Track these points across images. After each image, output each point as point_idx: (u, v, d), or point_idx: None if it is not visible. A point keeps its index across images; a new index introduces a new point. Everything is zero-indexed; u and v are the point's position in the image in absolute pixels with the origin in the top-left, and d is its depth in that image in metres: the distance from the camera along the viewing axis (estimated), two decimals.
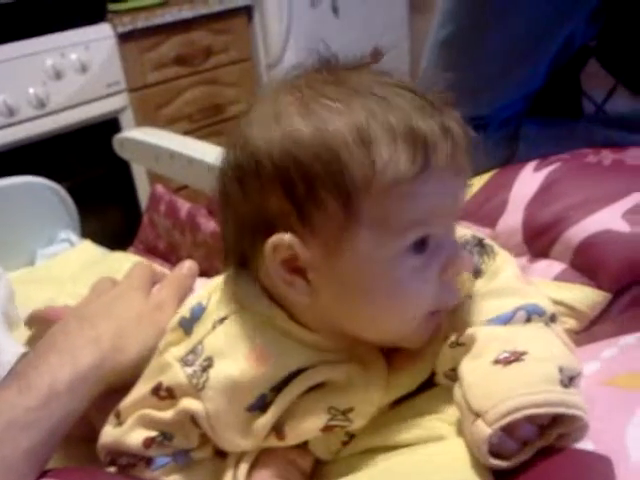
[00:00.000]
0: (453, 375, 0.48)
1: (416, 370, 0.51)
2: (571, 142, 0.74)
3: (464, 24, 0.78)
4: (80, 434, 0.54)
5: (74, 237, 1.16)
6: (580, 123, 0.79)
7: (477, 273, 0.53)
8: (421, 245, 0.45)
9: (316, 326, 0.48)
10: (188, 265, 0.62)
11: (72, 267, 0.97)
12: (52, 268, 1.01)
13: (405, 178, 0.42)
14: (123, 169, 2.11)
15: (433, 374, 0.51)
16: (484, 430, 0.40)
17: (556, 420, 0.40)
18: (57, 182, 1.23)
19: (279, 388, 0.48)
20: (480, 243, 0.54)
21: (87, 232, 1.27)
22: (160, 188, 0.98)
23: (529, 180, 0.69)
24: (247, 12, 2.40)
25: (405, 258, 0.44)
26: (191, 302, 0.53)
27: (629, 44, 0.74)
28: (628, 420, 0.39)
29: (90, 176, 2.10)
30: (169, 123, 2.22)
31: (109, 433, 0.50)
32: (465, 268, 0.48)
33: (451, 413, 0.47)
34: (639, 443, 0.37)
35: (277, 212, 0.44)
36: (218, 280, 0.54)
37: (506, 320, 0.48)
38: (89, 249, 1.11)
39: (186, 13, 2.21)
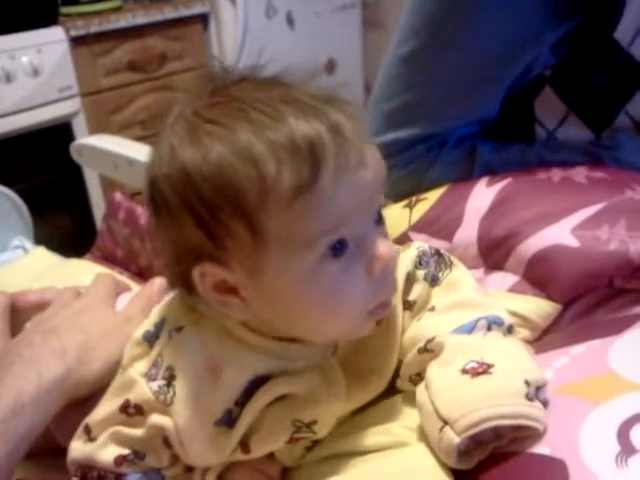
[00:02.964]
0: (418, 380, 0.50)
1: (375, 380, 0.52)
2: (522, 165, 0.77)
3: (425, 41, 0.77)
4: (40, 448, 0.54)
5: (28, 244, 1.14)
6: (531, 147, 0.82)
7: (434, 281, 0.55)
8: (338, 249, 0.44)
9: (267, 332, 0.49)
10: (158, 282, 0.62)
11: (27, 274, 0.95)
12: (6, 275, 0.99)
13: (297, 190, 0.41)
14: (75, 174, 2.08)
15: (393, 379, 0.53)
16: (453, 439, 0.42)
17: (517, 427, 0.43)
18: (7, 187, 1.21)
19: (243, 402, 0.48)
20: (438, 253, 0.56)
21: (37, 238, 1.25)
22: (119, 196, 0.98)
23: (482, 195, 0.72)
24: (202, 20, 2.40)
25: (324, 266, 0.44)
26: (154, 316, 0.53)
27: (585, 75, 0.77)
28: (581, 426, 0.41)
29: (41, 181, 2.06)
30: (122, 129, 2.20)
31: (79, 449, 0.50)
32: (391, 260, 0.47)
33: (413, 419, 0.48)
34: (591, 447, 0.40)
35: (195, 241, 0.45)
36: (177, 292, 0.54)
37: (470, 329, 0.50)
38: (44, 256, 1.09)
39: (140, 19, 2.19)
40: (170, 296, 0.54)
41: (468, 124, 0.82)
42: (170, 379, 0.47)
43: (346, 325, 0.47)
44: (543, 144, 0.82)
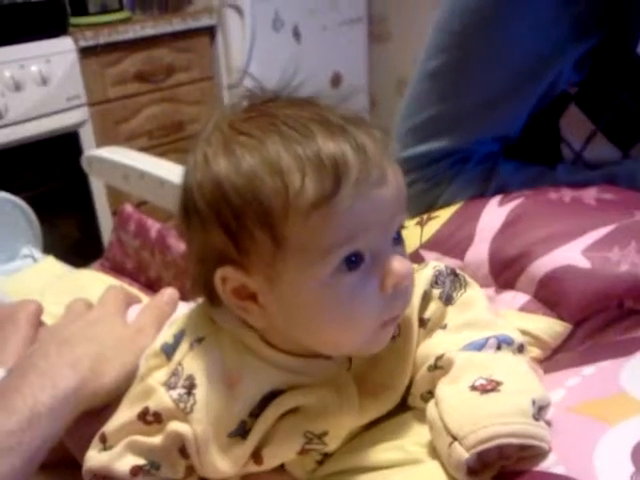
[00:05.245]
0: (429, 397, 0.50)
1: (387, 395, 0.53)
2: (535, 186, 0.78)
3: (453, 57, 0.78)
4: (53, 460, 0.54)
5: (37, 253, 1.14)
6: (551, 171, 0.81)
7: (448, 300, 0.55)
8: (353, 262, 0.45)
9: (284, 346, 0.50)
10: (169, 293, 0.63)
11: (37, 283, 0.96)
12: (17, 284, 0.99)
13: (318, 202, 0.43)
14: (81, 183, 2.09)
15: (405, 395, 0.54)
16: (462, 454, 0.43)
17: (522, 447, 0.43)
18: (13, 195, 1.21)
19: (257, 414, 0.49)
20: (454, 273, 0.57)
21: (42, 245, 1.25)
22: (129, 207, 0.98)
23: (494, 214, 0.72)
24: (210, 32, 2.42)
25: (339, 277, 0.45)
26: (172, 329, 0.53)
27: (611, 92, 0.78)
28: (595, 446, 0.42)
29: (47, 189, 2.07)
30: (129, 139, 2.21)
31: (96, 458, 0.50)
32: (404, 277, 0.47)
33: (425, 436, 0.49)
34: (606, 467, 0.40)
35: (220, 245, 0.46)
36: (197, 304, 0.55)
37: (479, 347, 0.50)
38: (53, 265, 1.10)
39: (149, 30, 2.21)
40: (189, 309, 0.55)
41: (491, 141, 0.82)
42: (190, 388, 0.48)
43: (360, 337, 0.48)
44: (565, 168, 0.82)
